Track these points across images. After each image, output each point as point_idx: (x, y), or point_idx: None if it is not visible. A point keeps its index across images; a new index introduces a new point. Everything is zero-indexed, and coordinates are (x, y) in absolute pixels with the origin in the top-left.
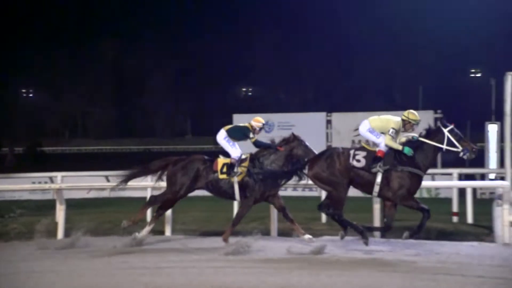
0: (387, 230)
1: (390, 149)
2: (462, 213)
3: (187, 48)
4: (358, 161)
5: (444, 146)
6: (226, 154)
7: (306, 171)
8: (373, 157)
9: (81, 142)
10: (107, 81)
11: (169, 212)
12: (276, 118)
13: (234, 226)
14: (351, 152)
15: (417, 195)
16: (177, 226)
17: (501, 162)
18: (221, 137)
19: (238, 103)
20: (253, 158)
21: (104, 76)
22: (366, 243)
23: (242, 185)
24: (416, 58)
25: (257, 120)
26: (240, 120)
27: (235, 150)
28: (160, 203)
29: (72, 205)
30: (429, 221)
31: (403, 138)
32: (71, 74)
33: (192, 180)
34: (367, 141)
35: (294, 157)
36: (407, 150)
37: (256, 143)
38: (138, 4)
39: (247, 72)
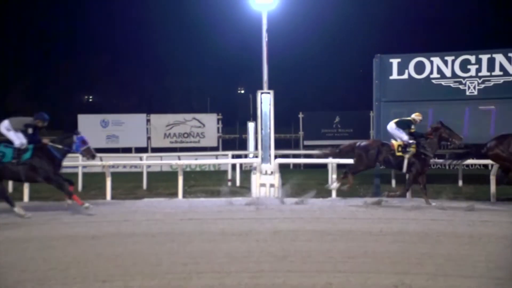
0: None
1: None
2: (234, 179)
3: (42, 63)
4: None
5: None
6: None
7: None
8: None
9: None
10: None
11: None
12: (111, 117)
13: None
14: None
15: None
16: None
17: (256, 146)
18: (392, 127)
19: (82, 106)
20: (417, 142)
21: None
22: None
23: (410, 161)
24: (206, 77)
25: (418, 115)
26: (83, 119)
27: (404, 135)
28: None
29: None
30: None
31: None
32: None
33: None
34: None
35: (443, 139)
36: None
37: (414, 133)
38: None
39: (87, 83)
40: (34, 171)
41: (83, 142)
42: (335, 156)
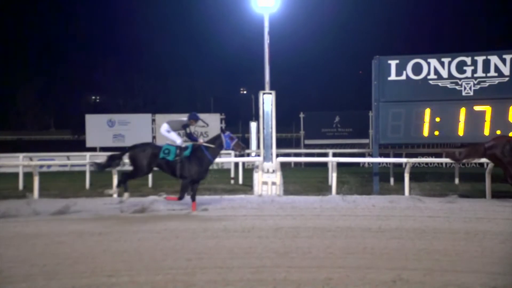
0: None
1: None
2: (236, 177)
3: (52, 65)
4: None
5: None
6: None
7: None
8: None
9: None
10: None
11: None
12: (117, 117)
13: None
14: None
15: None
16: None
17: (258, 145)
18: None
19: (89, 106)
20: None
21: None
22: None
23: None
24: (209, 78)
25: None
26: (90, 119)
27: None
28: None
29: None
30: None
31: None
32: None
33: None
34: None
35: None
36: None
37: None
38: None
39: (94, 84)
40: (185, 169)
41: (231, 138)
42: (457, 161)
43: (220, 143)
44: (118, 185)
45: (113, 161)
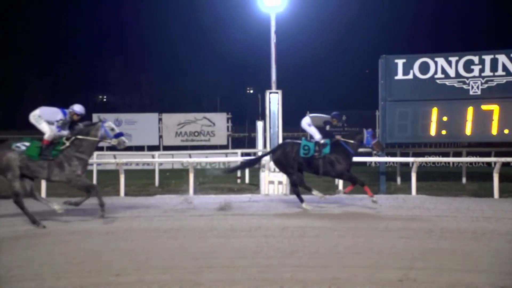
0: None
1: None
2: (243, 177)
3: (59, 65)
4: None
5: None
6: None
7: None
8: None
9: None
10: None
11: None
12: (124, 116)
13: None
14: None
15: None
16: None
17: (265, 144)
18: None
19: (96, 106)
20: None
21: None
22: None
23: None
24: (216, 78)
25: None
26: (98, 118)
27: None
28: None
29: None
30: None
31: None
32: None
33: None
34: None
35: None
36: None
37: None
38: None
39: (101, 83)
40: (331, 165)
41: (373, 136)
42: None
43: (360, 138)
44: (308, 189)
45: (249, 166)
